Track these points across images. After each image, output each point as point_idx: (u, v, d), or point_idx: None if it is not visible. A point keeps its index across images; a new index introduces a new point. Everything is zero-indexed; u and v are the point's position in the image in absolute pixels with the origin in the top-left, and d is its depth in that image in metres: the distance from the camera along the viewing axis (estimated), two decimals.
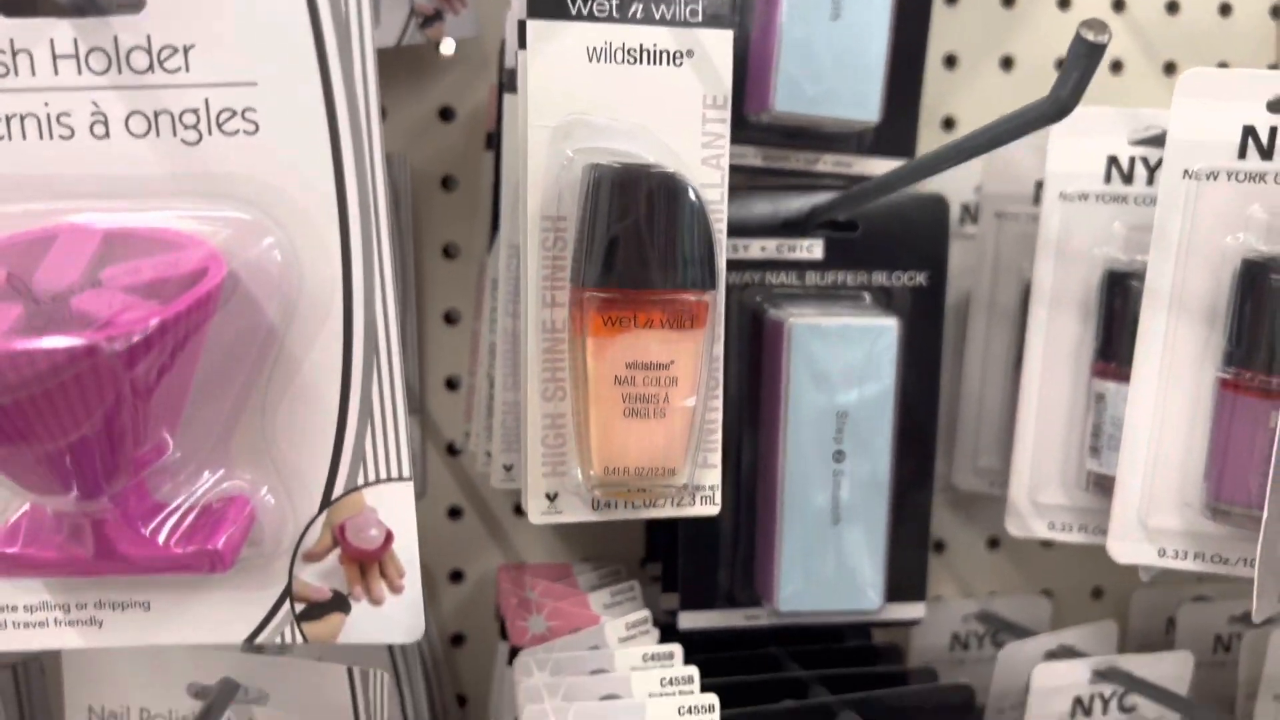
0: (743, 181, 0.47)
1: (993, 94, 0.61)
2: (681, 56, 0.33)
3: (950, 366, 0.57)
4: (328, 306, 0.25)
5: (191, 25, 0.24)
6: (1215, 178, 0.39)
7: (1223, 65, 0.63)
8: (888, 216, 0.47)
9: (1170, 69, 0.63)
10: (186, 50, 0.24)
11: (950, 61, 0.60)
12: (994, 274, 0.55)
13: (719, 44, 0.34)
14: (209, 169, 0.25)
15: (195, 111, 0.24)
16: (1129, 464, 0.42)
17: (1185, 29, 0.62)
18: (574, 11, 0.33)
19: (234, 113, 0.24)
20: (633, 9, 0.33)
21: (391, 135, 0.55)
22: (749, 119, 0.45)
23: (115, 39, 0.24)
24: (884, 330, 0.43)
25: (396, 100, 0.54)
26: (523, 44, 0.32)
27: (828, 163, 0.47)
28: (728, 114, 0.34)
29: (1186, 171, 0.39)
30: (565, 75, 0.33)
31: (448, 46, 0.52)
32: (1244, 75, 0.39)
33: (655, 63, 0.33)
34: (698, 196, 0.32)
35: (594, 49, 0.33)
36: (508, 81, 0.45)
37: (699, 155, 0.34)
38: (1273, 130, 0.38)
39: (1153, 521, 0.42)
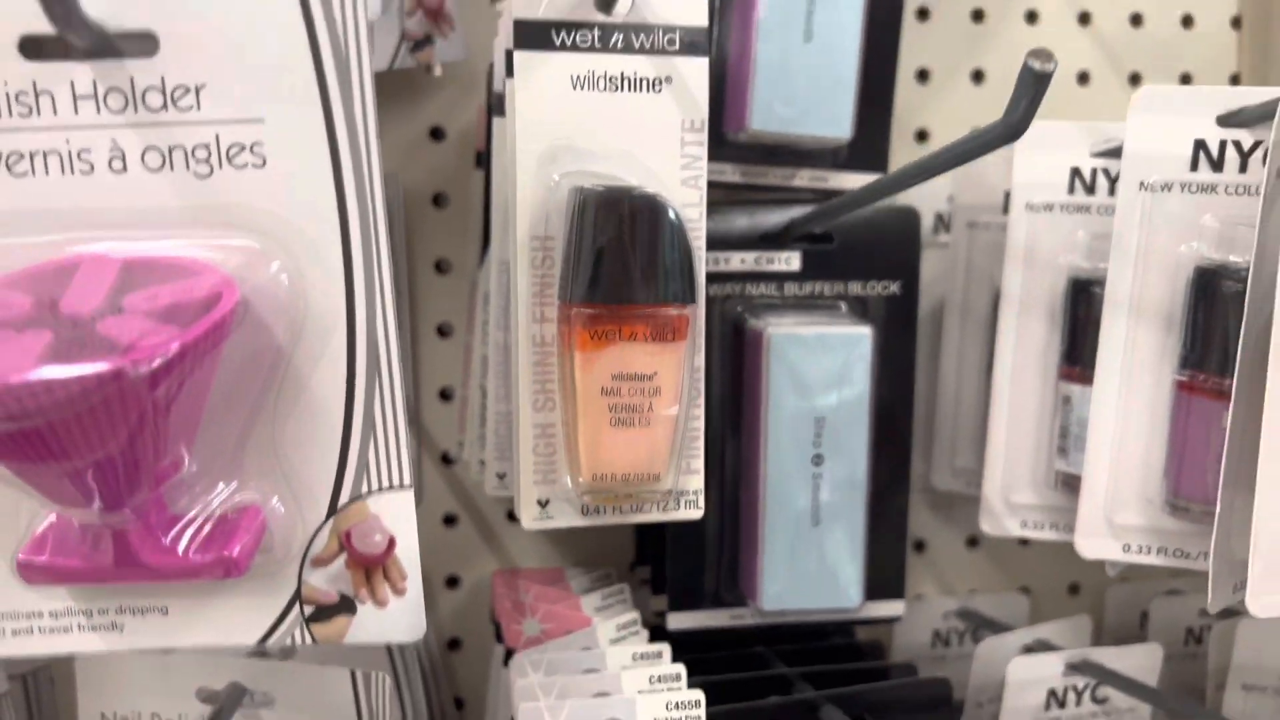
0: (722, 197, 0.49)
1: (964, 106, 0.63)
2: (661, 83, 0.35)
3: (926, 369, 0.59)
4: (332, 326, 0.27)
5: (203, 66, 0.26)
6: (1169, 189, 0.41)
7: (1186, 76, 0.66)
8: (862, 229, 0.49)
9: (1135, 80, 0.65)
10: (198, 90, 0.26)
11: (922, 76, 0.62)
12: (966, 281, 0.57)
13: (695, 71, 0.36)
14: (220, 200, 0.26)
15: (207, 146, 0.26)
16: (1094, 463, 0.44)
17: (1149, 40, 0.65)
18: (558, 43, 0.34)
19: (243, 147, 0.26)
20: (614, 39, 0.35)
21: (384, 155, 0.56)
22: (727, 137, 0.47)
23: (131, 80, 0.26)
24: (859, 338, 0.45)
25: (389, 121, 0.56)
26: (510, 73, 0.34)
27: (804, 177, 0.49)
28: (705, 136, 0.36)
29: (1142, 183, 0.41)
30: (551, 103, 0.35)
31: (437, 69, 0.54)
32: (1195, 92, 0.41)
33: (636, 89, 0.35)
34: (677, 216, 0.34)
35: (577, 77, 0.35)
36: (496, 105, 0.47)
37: (678, 176, 0.36)
38: (1222, 144, 0.41)
39: (1118, 518, 0.44)
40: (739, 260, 0.48)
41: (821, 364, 0.45)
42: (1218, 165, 0.41)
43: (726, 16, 0.46)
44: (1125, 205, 0.42)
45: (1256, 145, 0.40)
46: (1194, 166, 0.41)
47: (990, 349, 0.54)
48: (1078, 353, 0.46)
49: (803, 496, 0.46)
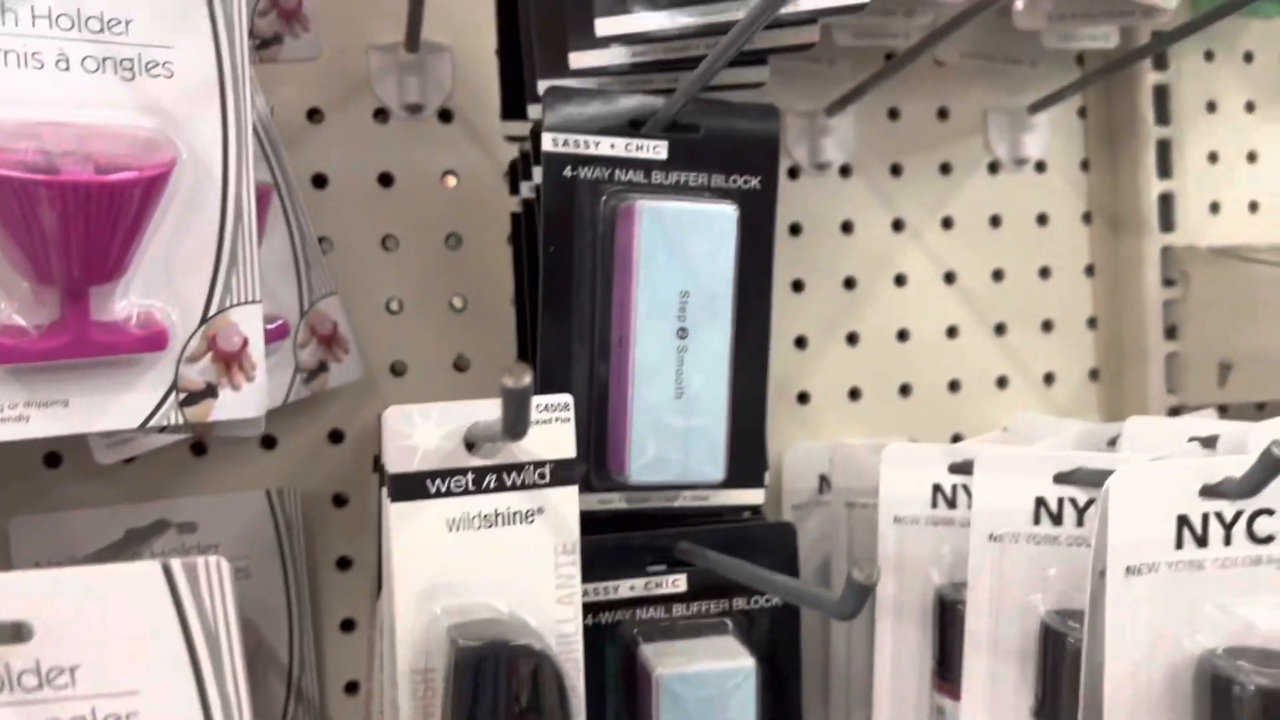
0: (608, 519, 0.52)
1: (840, 367, 0.67)
2: (533, 514, 0.38)
3: (820, 619, 0.62)
4: None
5: (76, 649, 0.27)
6: (1016, 540, 0.45)
7: (1047, 323, 0.70)
8: (742, 546, 0.51)
9: (1000, 329, 0.69)
10: (73, 670, 0.27)
11: (800, 342, 0.66)
12: (850, 548, 0.60)
13: (566, 499, 0.38)
14: None
15: (84, 718, 0.28)
16: None
17: (1010, 293, 0.70)
18: (433, 491, 0.37)
19: (119, 717, 0.28)
20: (486, 480, 0.37)
21: (284, 461, 0.58)
22: (612, 474, 0.50)
23: (6, 665, 0.27)
24: (741, 672, 0.47)
25: (289, 428, 0.58)
26: (380, 523, 0.36)
27: (686, 498, 0.52)
28: (577, 556, 0.38)
29: (991, 535, 0.45)
30: (428, 546, 0.37)
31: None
32: (1034, 454, 0.45)
33: (510, 523, 0.37)
34: (552, 662, 0.36)
35: (453, 520, 0.37)
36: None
37: (554, 596, 0.38)
38: (1060, 500, 0.44)
39: None
40: (628, 587, 0.50)
41: (708, 699, 0.47)
42: (1057, 519, 0.44)
43: (605, 360, 0.49)
44: (977, 554, 0.45)
45: (1090, 502, 0.44)
46: (1036, 520, 0.44)
47: (873, 614, 0.57)
48: (947, 669, 0.49)
49: None
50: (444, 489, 0.37)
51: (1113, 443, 0.58)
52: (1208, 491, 0.37)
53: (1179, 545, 0.37)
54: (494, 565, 0.37)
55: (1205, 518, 0.37)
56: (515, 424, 0.29)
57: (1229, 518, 0.37)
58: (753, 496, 0.52)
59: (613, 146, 0.48)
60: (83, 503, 0.54)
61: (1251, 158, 0.73)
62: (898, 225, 0.67)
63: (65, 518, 0.53)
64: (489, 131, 0.59)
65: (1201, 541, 0.37)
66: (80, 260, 0.36)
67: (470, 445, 0.37)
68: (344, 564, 0.59)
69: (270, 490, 0.56)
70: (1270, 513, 0.37)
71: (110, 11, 0.39)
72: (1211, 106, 0.72)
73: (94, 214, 0.35)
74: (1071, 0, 0.60)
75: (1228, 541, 0.37)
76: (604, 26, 0.45)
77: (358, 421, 0.59)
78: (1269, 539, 0.37)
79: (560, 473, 0.38)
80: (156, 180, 0.36)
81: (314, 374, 0.54)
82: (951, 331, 0.68)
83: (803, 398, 0.66)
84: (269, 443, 0.57)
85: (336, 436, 0.59)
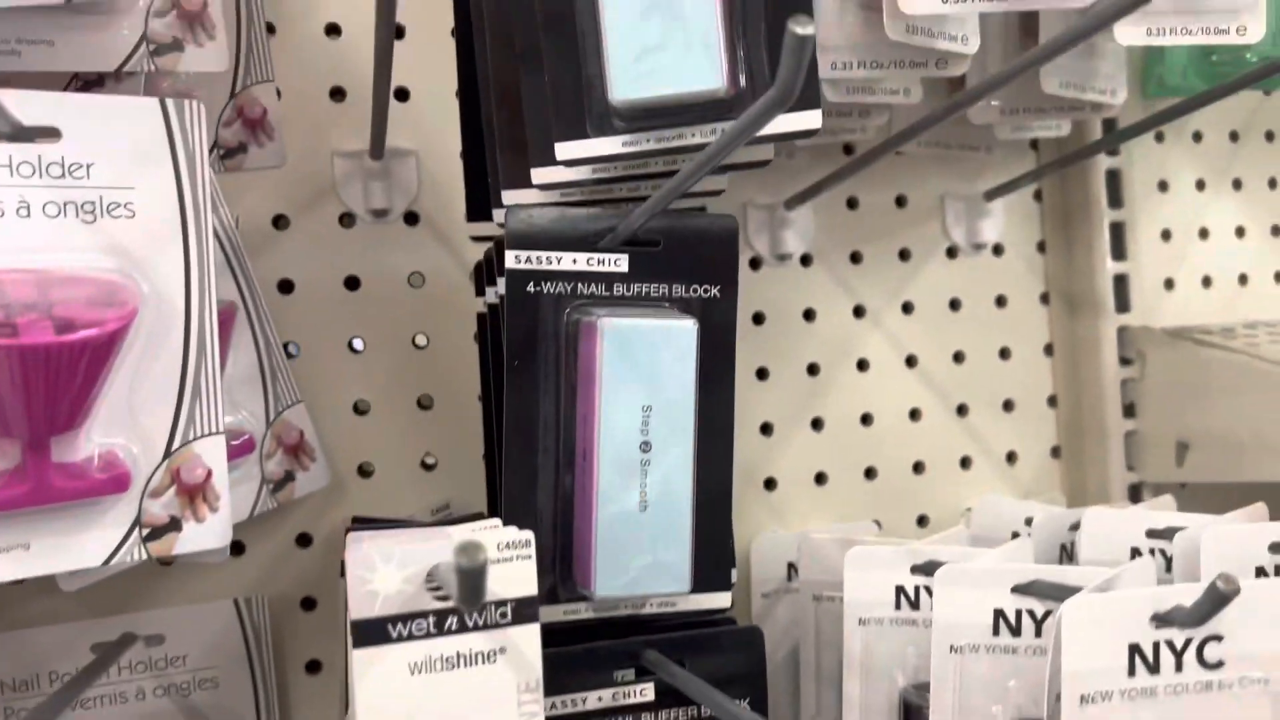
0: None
1: (806, 453, 0.67)
2: (495, 654, 0.38)
3: (789, 704, 0.63)
4: None
5: None
6: (976, 651, 0.45)
7: (1008, 402, 0.71)
8: (710, 651, 0.51)
9: (962, 410, 0.70)
10: None
11: (766, 429, 0.67)
12: (817, 643, 0.60)
13: (527, 637, 0.38)
14: None
15: None
16: None
17: (971, 374, 0.71)
18: (395, 635, 0.37)
19: None
20: (448, 622, 0.37)
21: (252, 567, 0.58)
22: (579, 588, 0.50)
23: None
24: None
25: (257, 534, 0.58)
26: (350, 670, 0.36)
27: (653, 604, 0.52)
28: (540, 694, 0.39)
29: (952, 647, 0.45)
30: (390, 691, 0.37)
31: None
32: (990, 569, 0.45)
33: (472, 664, 0.38)
34: None
35: (415, 664, 0.37)
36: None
37: None
38: (1018, 612, 0.45)
39: None
40: (596, 698, 0.50)
41: None
42: (1016, 630, 0.45)
43: (570, 471, 0.49)
44: (939, 666, 0.45)
45: (1048, 613, 0.45)
46: (996, 631, 0.45)
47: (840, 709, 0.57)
48: None
49: None
50: (406, 633, 0.37)
51: (1075, 527, 0.59)
52: (1159, 619, 0.38)
53: (1131, 673, 0.38)
54: (457, 706, 0.37)
55: (1156, 646, 0.38)
56: (470, 598, 0.29)
57: (1180, 645, 0.38)
58: (719, 600, 0.53)
59: (575, 261, 0.49)
60: (48, 618, 0.53)
61: (1203, 234, 0.75)
62: (859, 311, 0.68)
63: (31, 635, 0.53)
64: (455, 233, 0.60)
65: (1153, 669, 0.38)
66: (41, 414, 0.36)
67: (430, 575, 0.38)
68: (313, 667, 0.59)
69: (238, 599, 0.56)
70: (1219, 639, 0.38)
71: (71, 157, 0.39)
72: (1163, 186, 0.74)
73: (54, 372, 0.35)
74: (1022, 96, 0.62)
75: (1179, 668, 0.38)
76: (563, 151, 0.46)
77: (325, 525, 0.59)
78: (1219, 664, 0.38)
79: (522, 611, 0.38)
80: (117, 334, 0.37)
81: (280, 484, 0.54)
82: (914, 414, 0.69)
83: (769, 484, 0.67)
84: (237, 549, 0.57)
85: (304, 540, 0.59)
